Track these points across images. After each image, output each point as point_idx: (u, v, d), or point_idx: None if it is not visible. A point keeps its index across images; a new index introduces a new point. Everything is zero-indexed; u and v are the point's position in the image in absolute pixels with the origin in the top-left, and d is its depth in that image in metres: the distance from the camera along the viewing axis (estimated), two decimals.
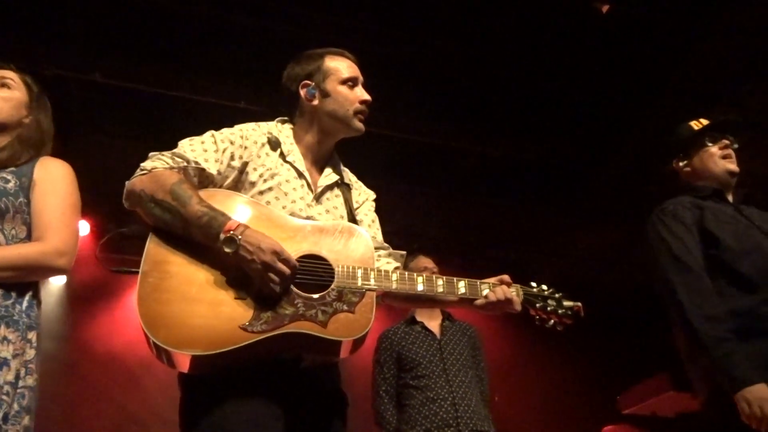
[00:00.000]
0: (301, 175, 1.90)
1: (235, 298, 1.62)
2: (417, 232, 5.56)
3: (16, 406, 1.69)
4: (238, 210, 1.74)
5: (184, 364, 1.57)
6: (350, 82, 1.96)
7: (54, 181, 1.93)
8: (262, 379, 1.62)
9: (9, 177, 1.88)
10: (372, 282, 1.71)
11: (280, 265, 1.61)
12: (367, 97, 1.97)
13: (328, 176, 1.98)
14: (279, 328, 1.59)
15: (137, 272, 1.62)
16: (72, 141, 4.25)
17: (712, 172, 2.46)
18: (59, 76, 3.95)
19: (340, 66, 1.97)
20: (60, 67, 3.95)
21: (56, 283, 5.06)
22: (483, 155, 4.95)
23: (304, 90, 1.95)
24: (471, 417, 3.20)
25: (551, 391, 5.78)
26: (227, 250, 1.60)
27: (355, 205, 2.02)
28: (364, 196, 2.10)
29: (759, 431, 1.98)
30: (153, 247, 1.67)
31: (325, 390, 1.80)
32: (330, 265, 1.71)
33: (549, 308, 1.87)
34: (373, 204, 2.12)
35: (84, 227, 5.02)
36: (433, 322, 3.54)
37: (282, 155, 1.91)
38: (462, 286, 1.82)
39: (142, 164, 1.76)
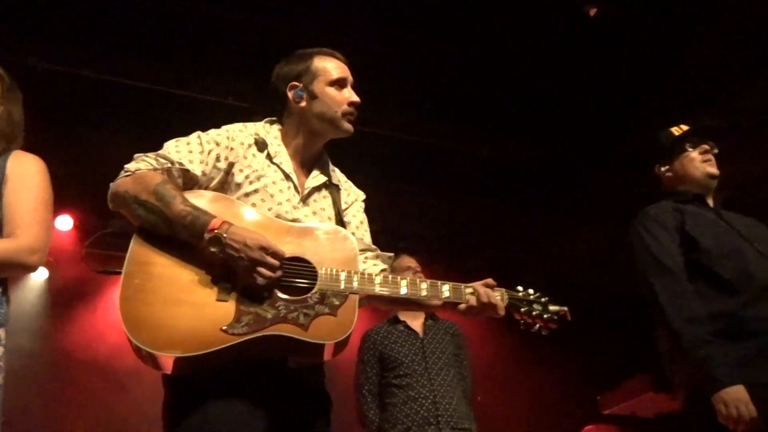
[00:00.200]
0: (287, 177, 1.89)
1: (218, 300, 1.62)
2: (404, 231, 5.56)
3: None
4: (223, 211, 1.73)
5: (167, 365, 1.57)
6: (339, 84, 1.94)
7: (27, 176, 1.89)
8: (246, 380, 1.62)
9: None
10: (355, 285, 1.71)
11: (269, 259, 1.61)
12: (355, 98, 1.95)
13: (316, 177, 1.97)
14: (260, 331, 1.58)
15: (122, 273, 1.62)
16: (59, 135, 4.21)
17: (693, 175, 2.52)
18: (47, 70, 3.92)
19: (329, 67, 1.96)
20: (48, 61, 3.91)
21: (38, 279, 5.02)
22: (472, 155, 4.96)
23: (292, 92, 1.94)
24: (452, 415, 3.23)
25: (533, 390, 5.82)
26: (212, 249, 1.60)
27: (343, 206, 2.02)
28: (353, 197, 2.09)
29: None
30: (136, 248, 1.66)
31: (309, 391, 1.80)
32: (313, 267, 1.71)
33: (534, 312, 1.85)
34: (363, 204, 2.11)
35: (67, 222, 4.99)
36: (416, 321, 3.56)
37: (269, 156, 1.90)
38: (446, 289, 1.80)
39: (126, 166, 1.76)
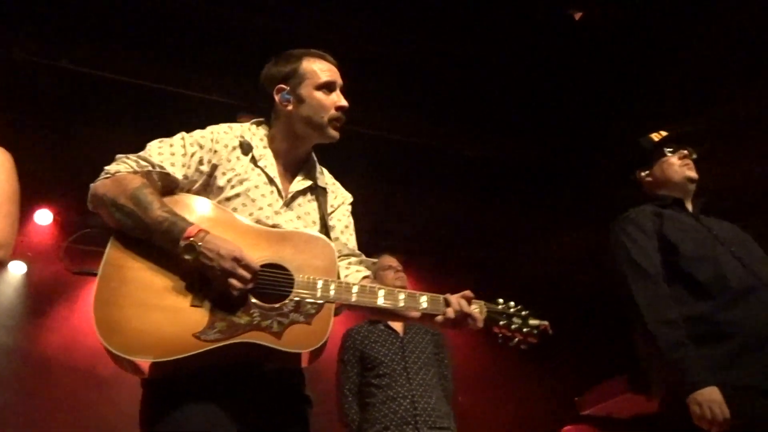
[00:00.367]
0: (271, 181, 1.87)
1: (192, 306, 1.61)
2: (389, 230, 5.57)
3: None
4: (202, 216, 1.72)
5: (143, 369, 1.56)
6: (327, 87, 1.91)
7: None
8: (222, 383, 1.62)
9: None
10: (331, 294, 1.69)
11: (241, 271, 1.60)
12: (343, 103, 1.91)
13: (301, 181, 1.94)
14: (232, 338, 1.58)
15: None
16: (40, 128, 4.16)
17: (672, 179, 2.56)
18: (27, 61, 3.87)
19: (318, 69, 1.92)
20: (28, 53, 3.86)
21: (16, 274, 4.95)
22: (458, 154, 4.98)
23: (279, 95, 1.91)
24: (430, 414, 3.22)
25: (514, 390, 5.85)
26: (187, 257, 1.59)
27: (329, 210, 1.99)
28: (340, 200, 2.06)
29: None
30: (113, 251, 1.66)
31: (286, 393, 1.78)
32: (290, 274, 1.69)
33: (513, 326, 1.81)
34: (349, 207, 2.08)
35: (47, 217, 4.93)
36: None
37: (253, 160, 1.88)
38: (424, 300, 1.77)
39: (106, 167, 1.74)
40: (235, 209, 1.80)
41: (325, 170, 2.09)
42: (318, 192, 1.97)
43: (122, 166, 1.74)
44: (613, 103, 4.58)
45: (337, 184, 2.11)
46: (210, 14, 3.86)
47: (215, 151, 1.84)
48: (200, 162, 1.82)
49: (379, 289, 1.77)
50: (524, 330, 1.81)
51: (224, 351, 1.57)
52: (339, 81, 1.94)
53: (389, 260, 3.68)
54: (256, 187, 1.84)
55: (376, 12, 3.96)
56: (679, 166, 2.56)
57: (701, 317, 2.21)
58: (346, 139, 1.97)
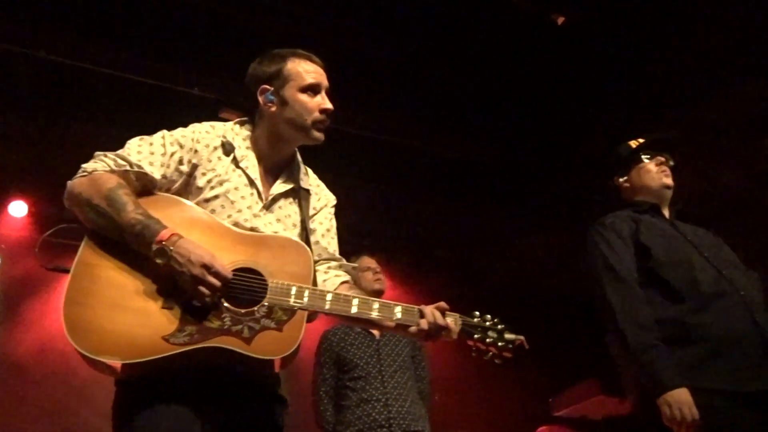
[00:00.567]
0: (252, 183, 1.85)
1: (162, 308, 1.59)
2: (366, 229, 5.57)
3: None
4: (178, 218, 1.69)
5: (115, 369, 1.55)
6: (312, 89, 1.87)
7: None
8: (195, 383, 1.60)
9: None
10: (305, 301, 1.67)
11: (210, 278, 1.58)
12: (328, 106, 1.88)
13: (283, 184, 1.91)
14: (202, 342, 1.56)
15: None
16: (14, 118, 4.09)
17: (649, 186, 2.61)
18: (5, 50, 3.80)
19: (303, 71, 1.88)
20: (6, 42, 3.79)
21: None
22: (437, 156, 5.00)
23: (263, 96, 1.88)
24: (404, 417, 3.22)
25: (488, 391, 5.90)
26: (158, 260, 1.58)
27: (311, 212, 1.97)
28: (323, 202, 2.03)
29: None
30: (86, 250, 1.64)
31: (261, 393, 1.77)
32: (264, 279, 1.67)
33: (488, 340, 1.78)
34: (332, 210, 2.05)
35: (21, 209, 4.84)
36: None
37: (235, 160, 1.85)
38: (398, 311, 1.74)
39: (83, 165, 1.72)
40: (213, 211, 1.77)
41: (310, 171, 2.07)
42: (300, 194, 1.94)
43: (99, 164, 1.71)
44: (586, 108, 4.64)
45: (322, 185, 2.08)
46: (194, 8, 3.83)
47: (196, 151, 1.81)
48: (180, 162, 1.79)
49: (354, 297, 1.74)
50: (499, 344, 1.78)
51: (193, 355, 1.56)
52: (324, 83, 1.92)
53: (368, 261, 3.68)
54: (236, 188, 1.82)
55: (360, 11, 3.96)
56: (655, 173, 2.61)
57: (673, 320, 2.26)
58: (325, 137, 1.96)
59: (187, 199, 1.79)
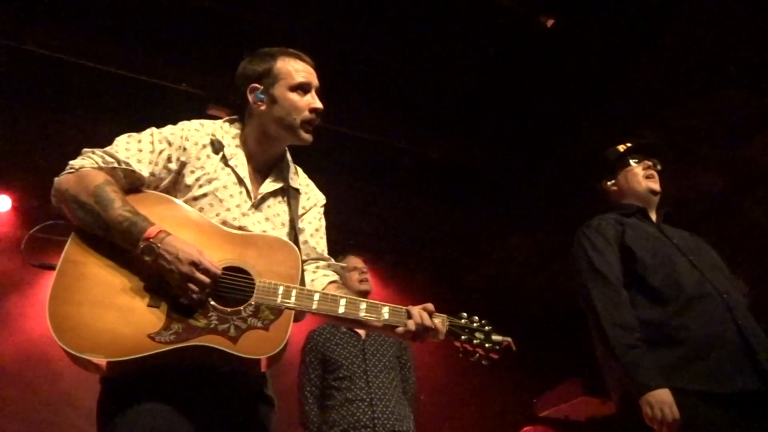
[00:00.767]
0: (241, 181, 1.85)
1: (149, 306, 1.58)
2: (352, 228, 5.57)
3: None
4: (166, 215, 1.69)
5: (101, 367, 1.54)
6: (302, 89, 1.87)
7: None
8: (180, 382, 1.60)
9: None
10: (292, 300, 1.67)
11: (199, 275, 1.57)
12: (318, 105, 1.88)
13: (272, 183, 1.91)
14: (188, 341, 1.56)
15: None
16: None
17: (636, 190, 2.65)
18: None
19: (293, 70, 1.88)
20: None
21: None
22: (423, 156, 5.02)
23: (252, 94, 1.88)
24: (388, 417, 3.22)
25: (473, 392, 5.92)
26: (146, 258, 1.57)
27: (300, 211, 1.97)
28: (312, 201, 2.03)
29: None
30: (72, 247, 1.63)
31: (247, 393, 1.76)
32: (251, 278, 1.67)
33: (475, 341, 1.78)
34: (321, 210, 2.05)
35: (5, 203, 4.79)
36: None
37: (224, 159, 1.85)
38: (386, 312, 1.74)
39: (70, 162, 1.71)
40: (202, 209, 1.77)
41: (300, 170, 2.06)
42: (290, 193, 1.94)
43: (87, 161, 1.70)
44: (570, 111, 4.68)
45: (311, 184, 2.08)
46: (182, 4, 3.80)
47: (185, 149, 1.81)
48: (168, 160, 1.79)
49: (341, 297, 1.74)
50: (486, 345, 1.78)
51: (179, 353, 1.56)
52: (315, 82, 1.92)
53: (355, 261, 3.68)
54: (225, 187, 1.81)
55: (350, 10, 3.96)
56: (642, 177, 2.65)
57: (655, 322, 2.29)
58: (313, 136, 1.95)
59: (176, 197, 1.78)
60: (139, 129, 1.84)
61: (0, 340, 4.62)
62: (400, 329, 1.74)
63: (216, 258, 1.66)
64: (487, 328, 1.82)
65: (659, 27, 4.05)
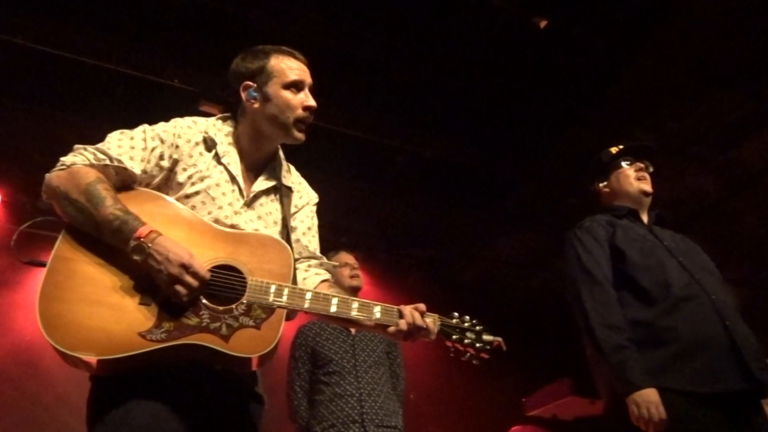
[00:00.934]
0: (233, 179, 1.84)
1: (140, 304, 1.57)
2: (344, 226, 5.57)
3: None
4: (158, 213, 1.68)
5: (90, 365, 1.53)
6: (295, 87, 1.86)
7: None
8: (171, 380, 1.59)
9: None
10: (284, 299, 1.66)
11: (188, 278, 1.56)
12: (311, 103, 1.87)
13: (264, 181, 1.90)
14: (179, 339, 1.55)
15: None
16: None
17: (627, 191, 2.67)
18: None
19: (286, 68, 1.87)
20: None
21: None
22: (415, 155, 5.02)
23: (245, 92, 1.87)
24: (377, 413, 3.23)
25: (462, 391, 5.94)
26: (136, 257, 1.56)
27: (293, 210, 1.96)
28: (305, 200, 2.02)
29: None
30: (63, 244, 1.61)
31: (237, 391, 1.76)
32: (243, 277, 1.67)
33: (466, 341, 1.79)
34: (314, 208, 2.04)
35: None
36: None
37: (217, 156, 1.84)
38: (377, 311, 1.74)
39: (62, 158, 1.69)
40: (194, 207, 1.76)
41: (292, 168, 2.05)
42: (282, 192, 1.93)
43: (79, 158, 1.69)
44: (562, 112, 4.70)
45: (304, 183, 2.08)
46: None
47: (177, 146, 1.80)
48: (161, 157, 1.78)
49: (333, 297, 1.74)
50: (477, 345, 1.79)
51: (170, 352, 1.55)
52: (308, 80, 1.91)
53: (346, 257, 3.69)
54: (217, 185, 1.81)
55: (343, 9, 3.95)
56: (634, 178, 2.67)
57: (644, 322, 2.31)
58: (306, 134, 1.94)
59: (168, 194, 1.77)
60: (130, 124, 1.83)
61: None
62: (392, 329, 1.74)
63: (208, 256, 1.65)
64: (478, 327, 1.83)
65: (652, 29, 4.07)
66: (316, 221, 2.04)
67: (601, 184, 2.76)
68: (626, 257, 2.43)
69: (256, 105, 1.86)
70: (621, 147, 2.74)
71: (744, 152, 4.97)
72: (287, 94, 1.86)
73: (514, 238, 6.06)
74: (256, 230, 1.83)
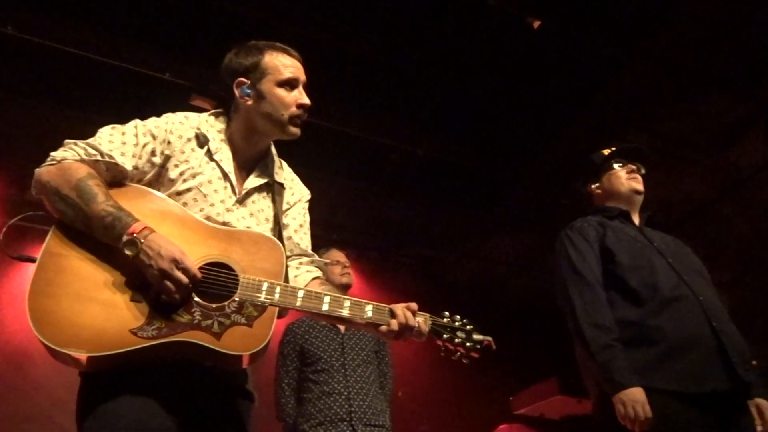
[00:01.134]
0: (225, 176, 1.83)
1: (131, 301, 1.56)
2: (337, 223, 5.57)
3: None
4: (149, 210, 1.67)
5: (80, 362, 1.52)
6: (289, 84, 1.85)
7: None
8: (161, 377, 1.59)
9: None
10: (276, 297, 1.66)
11: (178, 274, 1.55)
12: (305, 101, 1.86)
13: (257, 178, 1.89)
14: (170, 336, 1.54)
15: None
16: None
17: (619, 191, 2.69)
18: None
19: (280, 65, 1.86)
20: None
21: None
22: (409, 154, 5.02)
23: (239, 89, 1.85)
24: (365, 411, 3.23)
25: (450, 389, 5.96)
26: (128, 252, 1.55)
27: (285, 207, 1.95)
28: (297, 196, 2.01)
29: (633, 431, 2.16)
30: (54, 240, 1.60)
31: (227, 388, 1.75)
32: (235, 274, 1.66)
33: (457, 340, 1.80)
34: (306, 205, 2.03)
35: None
36: None
37: (209, 153, 1.82)
38: (369, 310, 1.74)
39: (52, 153, 1.67)
40: (185, 204, 1.74)
41: (285, 165, 2.05)
42: (274, 189, 1.92)
43: (69, 153, 1.67)
44: (556, 113, 4.72)
45: (296, 179, 2.07)
46: None
47: (169, 142, 1.78)
48: (152, 153, 1.76)
49: (325, 295, 1.74)
50: (467, 344, 1.80)
51: (161, 349, 1.54)
52: (302, 78, 1.89)
53: (337, 255, 3.68)
54: (209, 182, 1.79)
55: (338, 7, 3.94)
56: (626, 178, 2.68)
57: (631, 322, 2.32)
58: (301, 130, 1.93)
59: (159, 190, 1.76)
60: (122, 117, 1.81)
61: None
62: (384, 328, 1.74)
63: (200, 254, 1.65)
64: (468, 327, 1.83)
65: (644, 31, 4.09)
66: (308, 218, 2.03)
67: (592, 185, 2.78)
68: (616, 258, 2.44)
69: (250, 102, 1.85)
70: (613, 149, 2.76)
71: (734, 155, 5.02)
72: (281, 92, 1.84)
73: (507, 238, 6.08)
74: (248, 227, 1.82)
